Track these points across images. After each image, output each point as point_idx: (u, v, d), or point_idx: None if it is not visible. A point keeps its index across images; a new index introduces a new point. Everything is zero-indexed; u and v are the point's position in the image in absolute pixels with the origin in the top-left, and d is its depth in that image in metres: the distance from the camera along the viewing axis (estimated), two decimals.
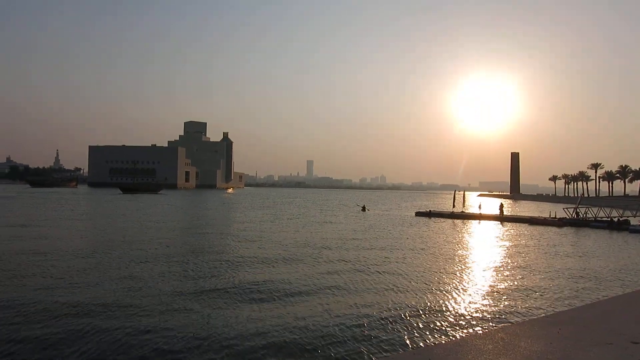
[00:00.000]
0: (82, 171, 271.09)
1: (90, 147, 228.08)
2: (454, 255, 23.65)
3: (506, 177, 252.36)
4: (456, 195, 66.18)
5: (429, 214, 56.77)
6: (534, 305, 13.31)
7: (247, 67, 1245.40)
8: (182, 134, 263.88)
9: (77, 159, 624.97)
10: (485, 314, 12.36)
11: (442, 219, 51.58)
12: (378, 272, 18.03)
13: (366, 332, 10.54)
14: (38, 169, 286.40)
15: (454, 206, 60.81)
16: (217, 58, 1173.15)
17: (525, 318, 11.69)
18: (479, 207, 59.04)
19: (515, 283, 16.58)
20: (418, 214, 57.63)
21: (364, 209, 68.81)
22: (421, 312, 12.28)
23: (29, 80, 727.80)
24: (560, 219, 46.66)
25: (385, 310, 12.32)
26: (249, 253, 22.14)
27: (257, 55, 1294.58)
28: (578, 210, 47.90)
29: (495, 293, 14.88)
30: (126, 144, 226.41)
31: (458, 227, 41.14)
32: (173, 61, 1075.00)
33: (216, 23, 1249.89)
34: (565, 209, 49.39)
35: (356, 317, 11.63)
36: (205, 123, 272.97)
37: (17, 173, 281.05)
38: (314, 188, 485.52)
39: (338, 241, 27.94)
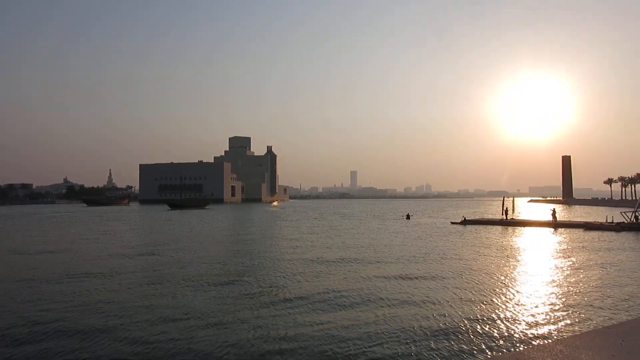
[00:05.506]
0: (133, 189, 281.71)
1: (140, 165, 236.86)
2: (506, 264, 22.92)
3: (557, 182, 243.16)
4: (505, 202, 64.32)
5: (464, 222, 54.09)
6: (594, 316, 12.70)
7: (290, 80, 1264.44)
8: (227, 149, 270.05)
9: (129, 177, 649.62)
10: (542, 325, 11.88)
11: (490, 227, 49.76)
12: (426, 284, 17.71)
13: (416, 346, 10.34)
14: (92, 189, 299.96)
15: (502, 213, 59.11)
16: (262, 73, 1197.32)
17: (585, 329, 11.17)
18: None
19: (573, 292, 15.88)
20: (465, 221, 55.38)
21: (408, 217, 69.98)
22: (474, 324, 11.95)
23: (81, 104, 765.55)
24: (618, 223, 44.51)
25: (436, 324, 12.06)
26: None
27: (302, 68, 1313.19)
28: (637, 214, 45.54)
29: (552, 303, 14.29)
30: (174, 161, 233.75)
31: (508, 235, 39.88)
32: (218, 78, 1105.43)
33: (261, 41, 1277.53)
34: (623, 213, 47.12)
35: (405, 330, 11.44)
36: (250, 138, 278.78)
37: (73, 193, 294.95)
38: (358, 199, 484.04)
39: (388, 251, 27.66)
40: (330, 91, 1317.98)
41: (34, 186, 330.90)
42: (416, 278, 18.70)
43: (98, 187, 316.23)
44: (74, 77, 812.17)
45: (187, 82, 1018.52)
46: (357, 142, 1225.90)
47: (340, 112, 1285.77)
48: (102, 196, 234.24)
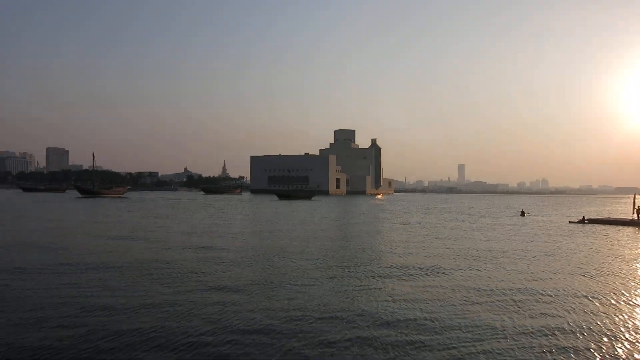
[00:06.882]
0: (245, 179, 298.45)
1: (251, 157, 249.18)
2: (635, 274, 20.77)
3: None
4: (636, 199, 58.02)
5: (584, 221, 49.72)
6: None
7: (396, 71, 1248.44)
8: (332, 141, 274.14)
9: (241, 168, 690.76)
10: None
11: (616, 227, 44.70)
12: (545, 292, 16.67)
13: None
14: (209, 178, 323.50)
15: (632, 212, 53.38)
16: (371, 66, 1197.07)
17: None
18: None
19: None
20: (585, 220, 50.70)
21: (522, 214, 66.65)
22: (597, 341, 11.05)
23: (197, 102, 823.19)
24: None
25: (554, 337, 11.36)
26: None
27: (406, 59, 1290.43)
28: None
29: None
30: (282, 153, 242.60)
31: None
32: (325, 71, 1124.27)
33: (370, 34, 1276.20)
34: None
35: (529, 341, 10.92)
36: (354, 130, 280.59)
37: (192, 181, 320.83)
38: (467, 193, 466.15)
39: (506, 249, 26.49)
40: (439, 83, 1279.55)
41: (159, 174, 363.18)
42: (536, 290, 17.69)
43: (214, 176, 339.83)
44: (191, 77, 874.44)
45: (294, 76, 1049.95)
46: (465, 134, 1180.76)
47: (449, 104, 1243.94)
48: (218, 185, 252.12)
